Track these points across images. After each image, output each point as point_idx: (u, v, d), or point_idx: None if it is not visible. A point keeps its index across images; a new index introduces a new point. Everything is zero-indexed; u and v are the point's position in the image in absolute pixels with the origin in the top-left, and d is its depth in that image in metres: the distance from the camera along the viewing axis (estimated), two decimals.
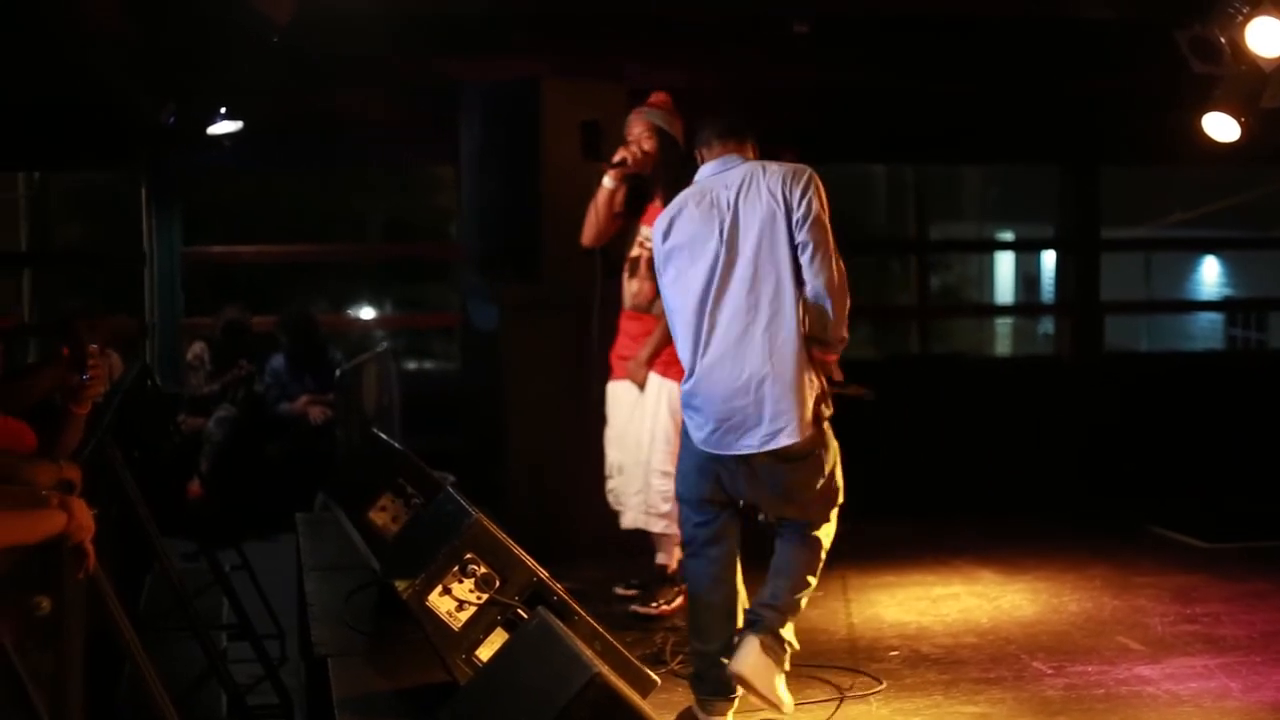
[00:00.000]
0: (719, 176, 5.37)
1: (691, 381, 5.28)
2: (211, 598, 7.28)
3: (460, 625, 4.46)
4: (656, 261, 5.48)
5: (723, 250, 5.20)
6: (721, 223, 5.22)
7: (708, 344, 5.23)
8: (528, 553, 4.61)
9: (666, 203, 6.87)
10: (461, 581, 4.46)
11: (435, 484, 5.67)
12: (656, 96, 7.04)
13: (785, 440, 5.13)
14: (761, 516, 7.62)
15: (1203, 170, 14.85)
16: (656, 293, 6.84)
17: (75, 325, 5.88)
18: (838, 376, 5.40)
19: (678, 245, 5.33)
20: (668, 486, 6.72)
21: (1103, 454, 9.99)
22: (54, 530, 3.58)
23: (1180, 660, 6.12)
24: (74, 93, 9.60)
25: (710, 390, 5.20)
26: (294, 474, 9.71)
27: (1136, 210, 18.52)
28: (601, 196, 6.99)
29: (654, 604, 6.80)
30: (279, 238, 17.08)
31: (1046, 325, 12.95)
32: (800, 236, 5.16)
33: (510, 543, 4.56)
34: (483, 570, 4.45)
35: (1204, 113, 7.93)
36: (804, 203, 5.19)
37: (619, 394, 7.05)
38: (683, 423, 5.50)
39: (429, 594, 4.45)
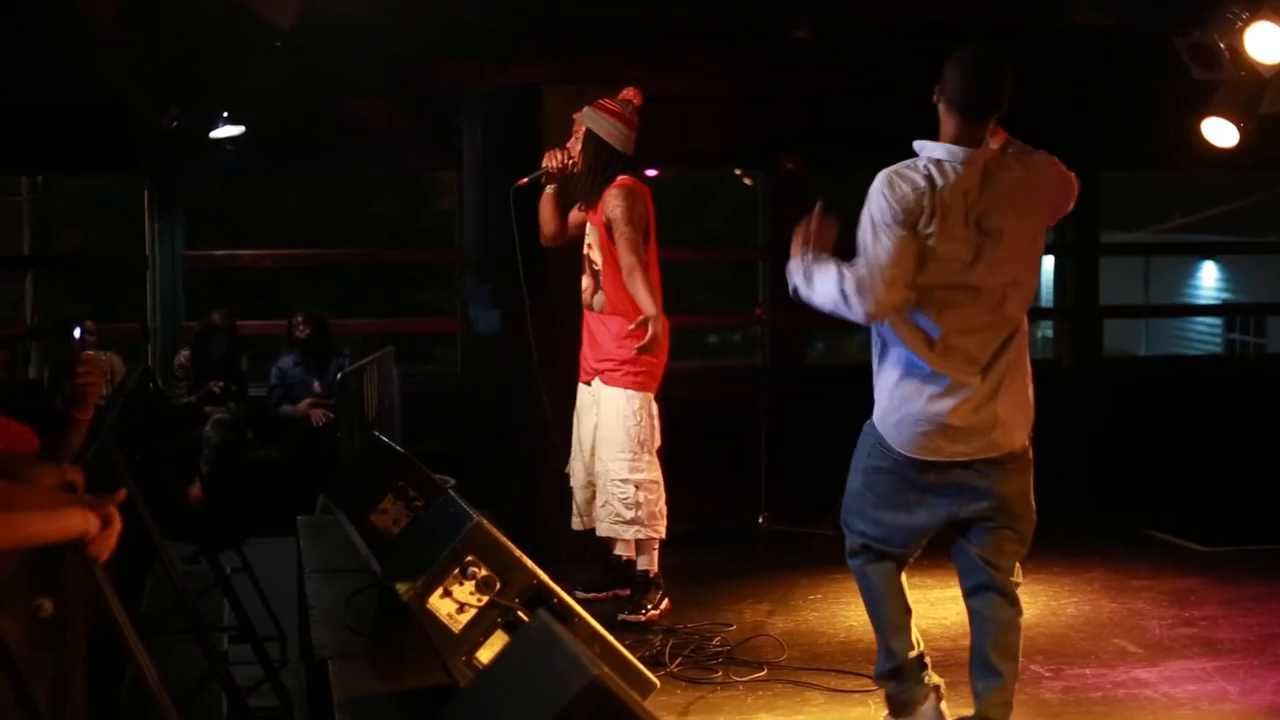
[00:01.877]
0: None
1: None
2: (213, 600, 7.30)
3: (461, 627, 4.48)
4: None
5: None
6: None
7: None
8: (528, 556, 4.63)
9: (586, 203, 7.00)
10: (462, 584, 4.48)
11: (436, 487, 5.69)
12: (625, 92, 7.05)
13: None
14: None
15: (1202, 175, 14.87)
16: (596, 289, 6.93)
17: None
18: None
19: None
20: (627, 493, 6.83)
21: (1101, 458, 10.02)
22: (75, 533, 3.60)
23: (1178, 663, 6.14)
24: (78, 97, 9.64)
25: None
26: (295, 476, 9.74)
27: (1136, 215, 18.56)
28: (543, 199, 7.19)
29: (642, 611, 6.80)
30: (281, 242, 17.12)
31: (1045, 329, 12.95)
32: None
33: (511, 545, 4.58)
34: (483, 573, 4.48)
35: (1203, 118, 7.96)
36: None
37: (581, 396, 7.14)
38: None
39: (430, 596, 4.47)
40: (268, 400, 10.74)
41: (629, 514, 6.82)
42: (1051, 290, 11.62)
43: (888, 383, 4.95)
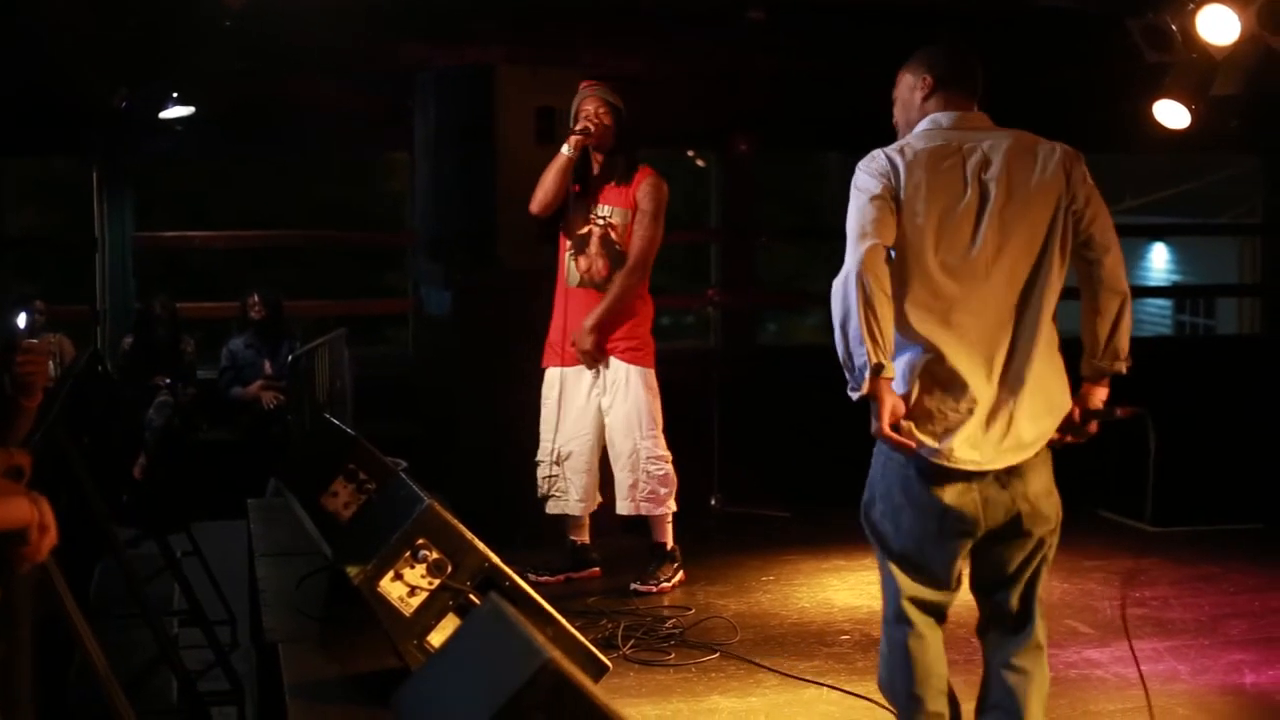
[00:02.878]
0: None
1: None
2: (163, 584, 7.26)
3: (412, 611, 4.45)
4: None
5: None
6: None
7: None
8: (480, 538, 4.61)
9: (621, 180, 6.99)
10: (413, 567, 4.45)
11: (388, 469, 5.66)
12: (587, 83, 7.17)
13: None
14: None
15: (1153, 158, 14.93)
16: (610, 267, 6.92)
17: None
18: None
19: None
20: (663, 469, 6.97)
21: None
22: (21, 521, 3.56)
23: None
24: (26, 78, 9.54)
25: None
26: (246, 459, 9.69)
27: None
28: (558, 163, 7.09)
29: (655, 582, 6.97)
30: (232, 223, 17.02)
31: None
32: None
33: (462, 528, 4.55)
34: (435, 556, 4.45)
35: (1155, 100, 7.99)
36: None
37: (568, 378, 7.13)
38: None
39: (380, 579, 4.44)
40: (218, 382, 10.68)
41: (664, 490, 6.99)
42: None
43: None
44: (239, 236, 12.56)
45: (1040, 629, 4.56)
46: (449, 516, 4.55)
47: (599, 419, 7.08)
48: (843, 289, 4.24)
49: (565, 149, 7.04)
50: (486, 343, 7.86)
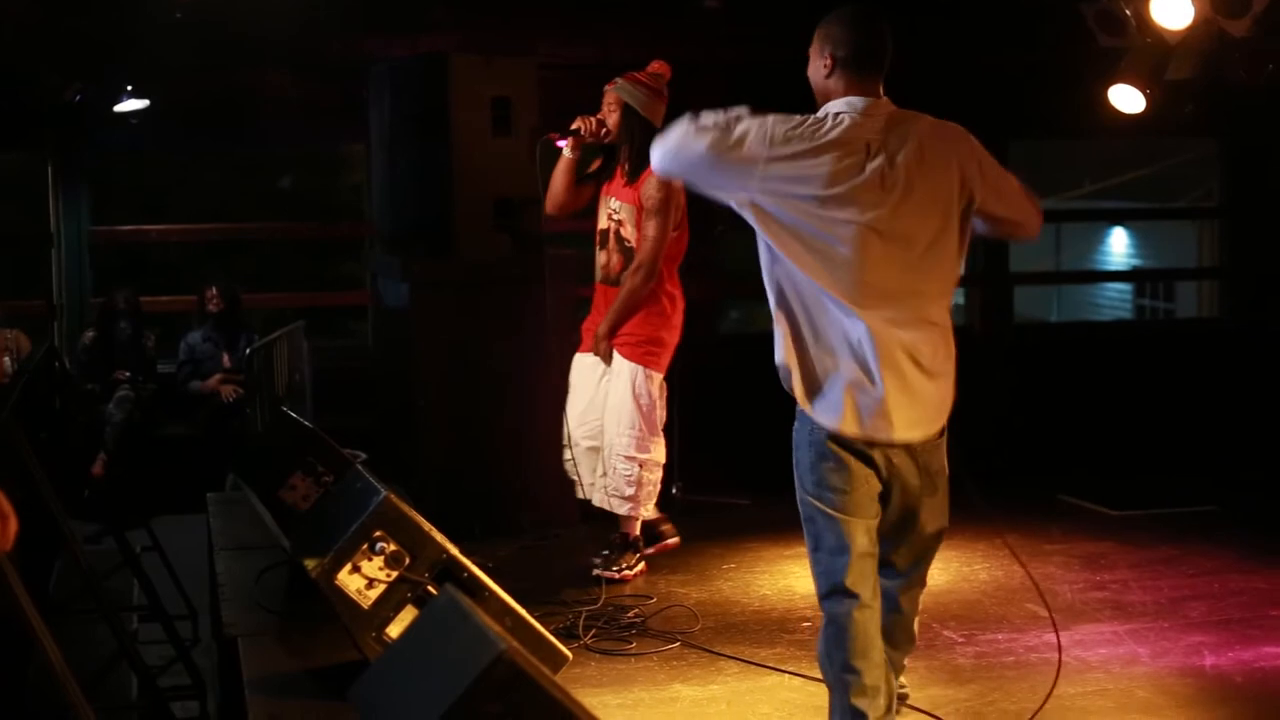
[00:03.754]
0: None
1: None
2: (122, 579, 7.23)
3: (370, 603, 4.45)
4: None
5: None
6: None
7: None
8: (438, 530, 4.60)
9: (628, 177, 6.89)
10: (371, 559, 4.44)
11: (345, 462, 5.65)
12: (654, 65, 7.01)
13: None
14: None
15: (1110, 143, 14.98)
16: (624, 264, 6.87)
17: None
18: None
19: None
20: (631, 470, 6.84)
21: (1013, 423, 10.07)
22: None
23: (1089, 627, 6.19)
24: None
25: None
26: (205, 453, 9.66)
27: (1046, 182, 18.66)
28: (560, 165, 7.05)
29: (616, 569, 6.90)
30: (190, 217, 16.95)
31: (957, 297, 13.01)
32: None
33: (420, 520, 4.55)
34: (392, 548, 4.44)
35: (1110, 85, 8.01)
36: None
37: (584, 366, 7.08)
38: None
39: (338, 572, 4.44)
40: (176, 376, 10.62)
41: (628, 490, 6.87)
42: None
43: None
44: (196, 230, 12.51)
45: None
46: (407, 508, 4.54)
47: (601, 412, 7.03)
48: None
49: (565, 149, 7.01)
50: (444, 335, 7.84)
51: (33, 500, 5.66)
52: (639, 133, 6.79)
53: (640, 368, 6.83)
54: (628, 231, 6.87)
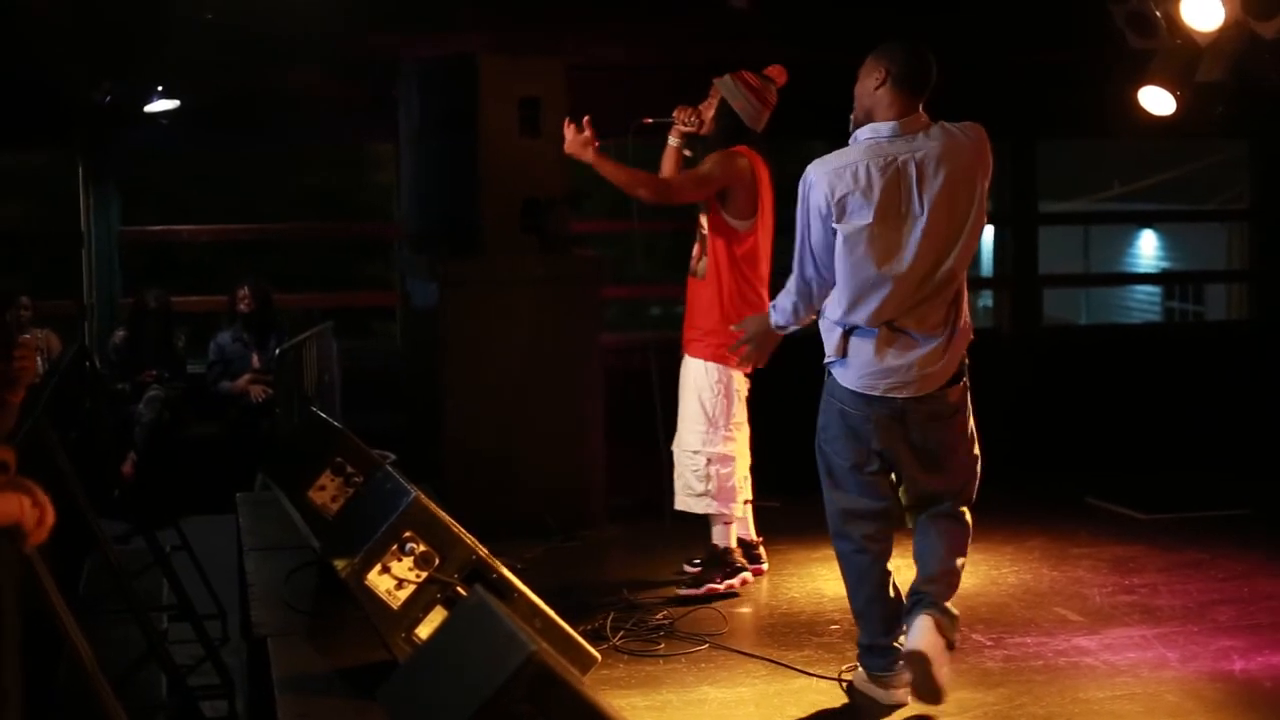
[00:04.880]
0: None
1: None
2: (152, 579, 7.25)
3: (399, 604, 4.45)
4: None
5: None
6: None
7: None
8: (467, 531, 4.61)
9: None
10: (400, 560, 4.45)
11: (374, 462, 5.66)
12: (771, 69, 6.95)
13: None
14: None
15: (1140, 144, 14.94)
16: (699, 257, 6.80)
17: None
18: None
19: None
20: (698, 465, 6.73)
21: (1041, 426, 10.05)
22: (10, 518, 3.53)
23: (1118, 631, 6.17)
24: (9, 71, 9.51)
25: None
26: (234, 453, 9.68)
27: (1075, 184, 18.65)
28: (666, 153, 7.07)
29: (701, 586, 6.67)
30: (219, 216, 17.01)
31: (985, 298, 13.00)
32: None
33: (449, 520, 4.56)
34: (421, 548, 4.45)
35: (1140, 86, 7.99)
36: None
37: (682, 369, 6.97)
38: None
39: (368, 573, 4.45)
40: (206, 377, 10.65)
41: (700, 486, 6.73)
42: (991, 259, 11.64)
43: None
44: (225, 230, 12.54)
45: None
46: (436, 509, 4.55)
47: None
48: None
49: (670, 138, 7.04)
50: (472, 335, 7.84)
51: (63, 500, 5.68)
52: (726, 128, 6.76)
53: (702, 362, 6.72)
54: (704, 219, 6.79)
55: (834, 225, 5.05)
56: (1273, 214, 12.02)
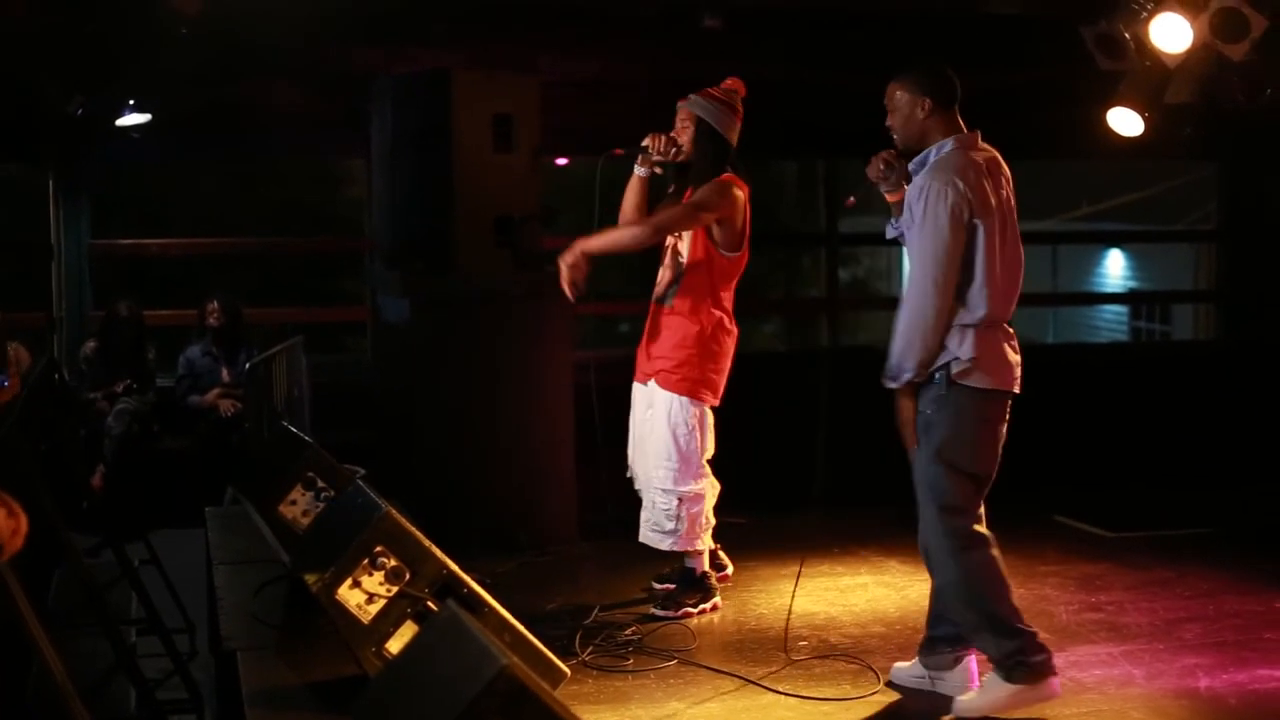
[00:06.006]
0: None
1: None
2: (120, 592, 7.22)
3: (370, 618, 4.46)
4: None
5: None
6: None
7: None
8: (438, 545, 4.61)
9: (697, 190, 6.59)
10: (371, 574, 4.46)
11: (345, 477, 5.66)
12: (729, 81, 6.80)
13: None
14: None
15: (1108, 165, 15.02)
16: (670, 283, 6.64)
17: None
18: None
19: None
20: (670, 505, 6.61)
21: (1009, 444, 10.06)
22: None
23: (1085, 648, 6.20)
24: None
25: None
26: (204, 467, 9.67)
27: (1043, 204, 18.72)
28: (631, 183, 6.83)
29: (675, 608, 6.65)
30: (190, 230, 17.00)
31: None
32: None
33: (420, 535, 4.56)
34: (392, 563, 4.46)
35: (1109, 107, 8.04)
36: None
37: (637, 397, 6.85)
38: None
39: (339, 587, 4.45)
40: (175, 391, 10.64)
41: (669, 525, 6.62)
42: None
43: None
44: (196, 244, 12.55)
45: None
46: (406, 524, 4.56)
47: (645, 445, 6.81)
48: None
49: (638, 168, 6.78)
50: (443, 351, 7.85)
51: (34, 512, 5.67)
52: (712, 149, 6.60)
53: (676, 397, 6.56)
54: (684, 246, 6.60)
55: (975, 221, 5.26)
56: (1240, 235, 12.13)
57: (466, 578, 4.58)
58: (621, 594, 7.02)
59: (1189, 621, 6.63)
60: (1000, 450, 5.50)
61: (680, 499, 6.61)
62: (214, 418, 10.41)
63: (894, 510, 6.24)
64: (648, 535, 6.72)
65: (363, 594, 4.46)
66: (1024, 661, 5.30)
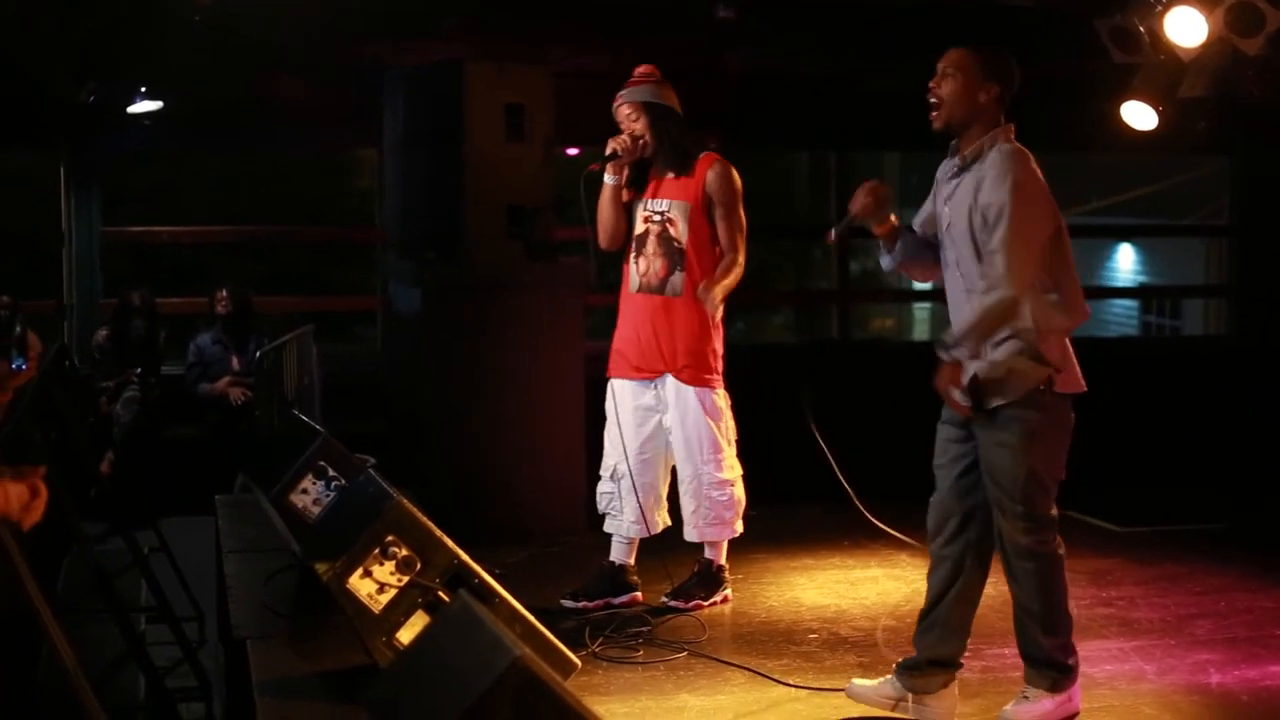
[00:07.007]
0: None
1: None
2: (130, 580, 7.24)
3: (381, 608, 4.45)
4: None
5: None
6: None
7: None
8: (449, 535, 4.61)
9: (677, 171, 6.48)
10: (382, 564, 4.45)
11: (356, 466, 5.66)
12: (639, 69, 6.62)
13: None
14: None
15: (1120, 158, 14.99)
16: (670, 268, 6.48)
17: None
18: None
19: None
20: (726, 494, 6.55)
21: None
22: None
23: (1095, 643, 6.18)
24: None
25: None
26: (214, 455, 9.67)
27: (1054, 197, 18.69)
28: (605, 194, 6.57)
29: (690, 599, 6.62)
30: (201, 219, 17.00)
31: None
32: None
33: (431, 525, 4.56)
34: (404, 553, 4.45)
35: (1123, 101, 8.02)
36: None
37: (623, 393, 6.67)
38: None
39: (349, 576, 4.44)
40: (185, 378, 10.64)
41: (728, 514, 6.58)
42: None
43: None
44: (207, 231, 12.55)
45: None
46: (417, 513, 4.55)
47: (663, 438, 6.64)
48: None
49: (607, 177, 6.54)
50: (455, 341, 7.86)
51: (47, 500, 5.67)
52: (672, 125, 6.49)
53: (705, 390, 6.49)
54: (678, 230, 6.43)
55: (1059, 222, 5.36)
56: (1252, 230, 12.10)
57: (477, 568, 4.57)
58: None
59: (1200, 617, 6.62)
60: None
61: (734, 483, 6.59)
62: (224, 405, 10.41)
63: (902, 502, 6.23)
64: (706, 531, 6.62)
65: (374, 583, 4.46)
66: (1066, 665, 5.24)
